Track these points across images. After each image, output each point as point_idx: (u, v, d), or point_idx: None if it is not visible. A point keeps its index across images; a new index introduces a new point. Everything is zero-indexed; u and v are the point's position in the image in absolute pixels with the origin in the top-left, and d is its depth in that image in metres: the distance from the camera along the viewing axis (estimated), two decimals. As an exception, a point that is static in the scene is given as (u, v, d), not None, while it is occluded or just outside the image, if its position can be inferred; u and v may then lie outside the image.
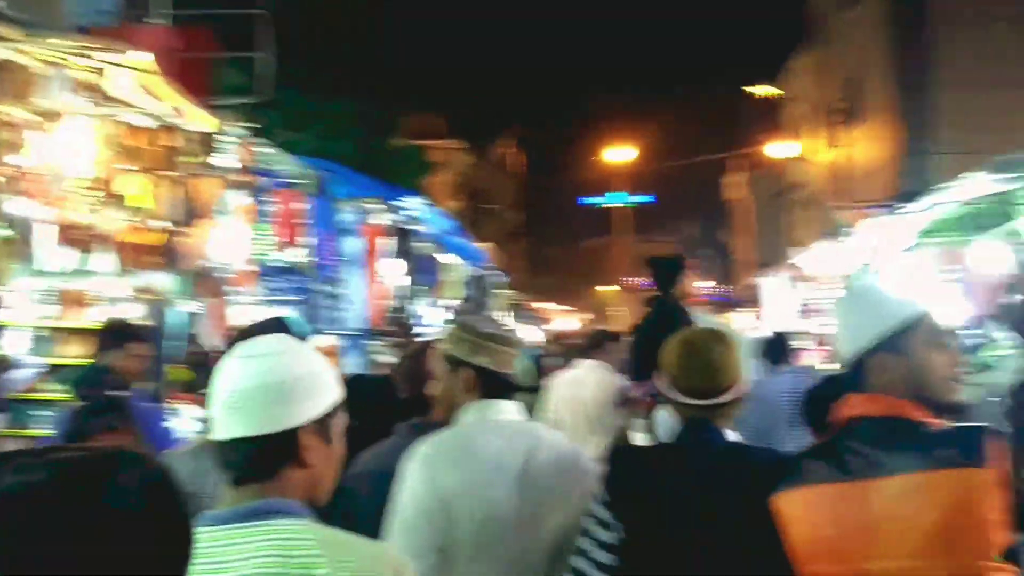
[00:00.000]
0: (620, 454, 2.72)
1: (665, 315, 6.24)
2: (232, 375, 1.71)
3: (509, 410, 2.72)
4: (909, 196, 13.88)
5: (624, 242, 47.75)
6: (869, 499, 2.05)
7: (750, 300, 33.53)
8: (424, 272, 12.69)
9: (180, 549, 1.13)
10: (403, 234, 11.36)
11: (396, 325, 11.12)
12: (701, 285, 54.78)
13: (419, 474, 2.52)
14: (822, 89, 24.89)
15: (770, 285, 25.87)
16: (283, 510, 1.67)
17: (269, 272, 7.73)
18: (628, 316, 49.67)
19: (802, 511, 2.12)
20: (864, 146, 21.38)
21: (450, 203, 36.14)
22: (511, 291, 32.91)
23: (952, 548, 1.98)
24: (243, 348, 1.76)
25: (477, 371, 2.69)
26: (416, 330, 11.51)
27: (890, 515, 2.03)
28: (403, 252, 11.33)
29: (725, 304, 40.13)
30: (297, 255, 8.20)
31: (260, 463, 1.70)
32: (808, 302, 20.57)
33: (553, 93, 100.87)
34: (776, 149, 26.24)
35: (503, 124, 51.42)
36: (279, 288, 7.72)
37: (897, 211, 13.17)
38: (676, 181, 66.73)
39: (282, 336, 1.88)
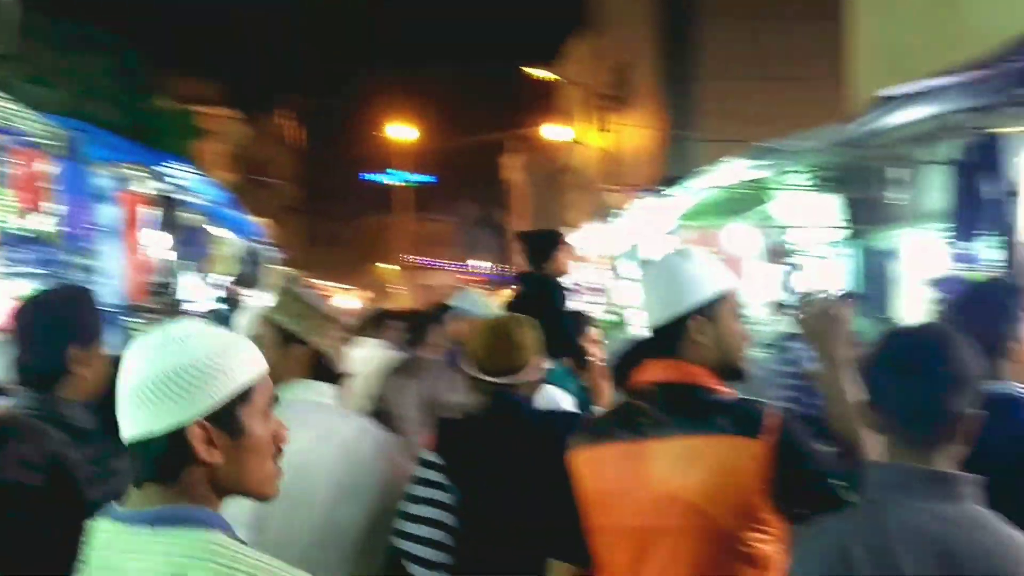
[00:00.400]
0: (447, 424, 2.86)
1: (539, 291, 5.77)
2: (122, 372, 1.59)
3: (328, 393, 2.67)
4: (673, 181, 14.57)
5: (405, 220, 47.60)
6: (646, 458, 2.18)
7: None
8: (192, 245, 12.08)
9: None
10: (168, 204, 10.74)
11: (159, 301, 10.55)
12: (478, 264, 55.67)
13: None
14: (595, 74, 25.64)
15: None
16: (187, 519, 1.54)
17: (10, 241, 7.05)
18: (408, 294, 49.68)
19: (590, 468, 2.27)
20: (632, 132, 22.23)
21: (224, 174, 34.72)
22: (288, 267, 32.08)
23: (716, 511, 2.12)
24: (140, 339, 1.63)
25: (313, 351, 2.62)
26: (183, 306, 10.96)
27: (663, 475, 2.15)
28: (168, 223, 10.72)
29: (502, 283, 40.89)
30: (43, 223, 7.53)
31: (154, 465, 1.57)
32: (580, 282, 21.31)
33: (333, 64, 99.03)
34: (551, 131, 26.85)
35: (281, 94, 49.92)
36: (22, 259, 7.05)
37: (661, 195, 13.83)
38: (456, 160, 67.21)
39: (187, 322, 1.69)
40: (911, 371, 1.84)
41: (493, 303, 7.44)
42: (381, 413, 4.95)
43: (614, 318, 15.37)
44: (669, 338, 2.28)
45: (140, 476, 1.59)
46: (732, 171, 10.48)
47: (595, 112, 26.24)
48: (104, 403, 1.80)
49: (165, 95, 18.91)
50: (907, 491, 1.78)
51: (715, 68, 20.09)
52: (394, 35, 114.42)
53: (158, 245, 10.55)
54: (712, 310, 2.28)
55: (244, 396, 1.61)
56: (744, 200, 11.95)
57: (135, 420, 1.56)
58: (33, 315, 2.39)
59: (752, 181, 11.20)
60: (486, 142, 40.43)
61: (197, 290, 11.73)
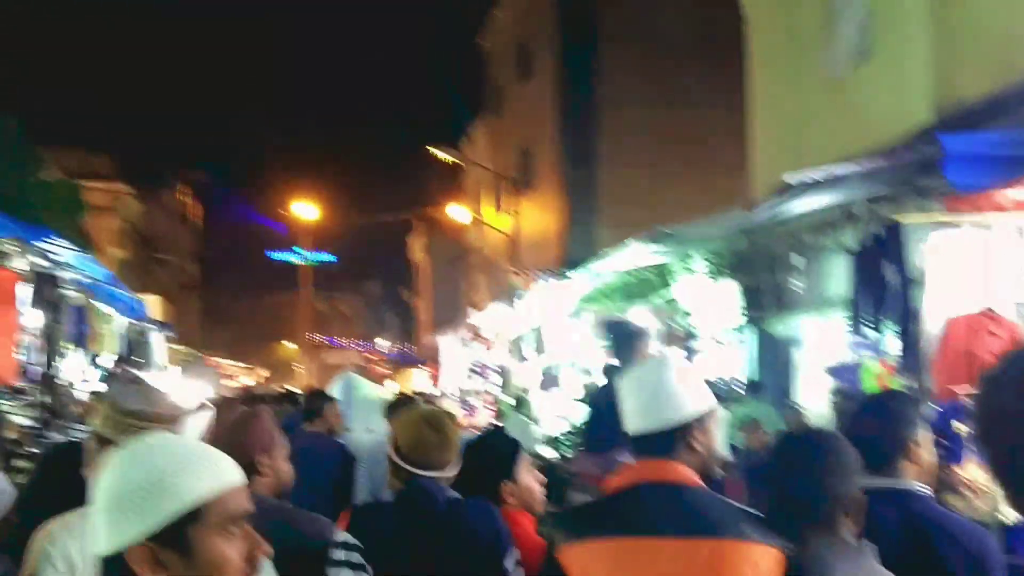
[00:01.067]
0: (365, 510, 3.12)
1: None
2: (95, 485, 1.61)
3: None
4: (574, 264, 14.63)
5: (307, 298, 46.80)
6: (664, 556, 2.25)
7: (430, 358, 34.00)
8: (72, 323, 11.50)
9: None
10: (46, 280, 10.20)
11: (33, 382, 9.93)
12: (382, 344, 55.04)
13: (46, 550, 2.48)
14: (498, 157, 25.83)
15: (448, 344, 26.36)
16: None
17: None
18: (310, 373, 48.68)
19: (588, 562, 2.31)
20: (535, 214, 22.32)
21: (115, 250, 33.67)
22: (182, 346, 31.10)
23: None
24: (118, 450, 1.64)
25: None
26: (60, 388, 10.35)
27: (667, 572, 2.26)
28: (45, 300, 10.16)
29: (406, 362, 40.44)
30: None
31: None
32: (481, 361, 21.13)
33: (232, 140, 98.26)
34: (455, 212, 26.88)
35: (178, 169, 48.99)
36: None
37: (563, 277, 13.82)
38: (361, 239, 66.90)
39: (159, 434, 1.76)
40: (795, 467, 2.41)
41: (375, 387, 7.08)
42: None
43: (513, 399, 15.17)
44: (661, 443, 2.42)
45: None
46: (633, 255, 10.49)
47: (498, 194, 26.37)
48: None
49: (49, 168, 18.11)
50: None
51: (617, 153, 20.38)
52: (297, 113, 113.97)
53: (32, 323, 9.97)
54: (703, 422, 2.49)
55: (194, 515, 1.55)
56: (645, 284, 11.99)
57: (95, 538, 1.57)
58: None
59: (653, 266, 11.27)
60: (390, 222, 40.26)
61: (78, 370, 11.12)
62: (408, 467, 2.97)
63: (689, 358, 11.67)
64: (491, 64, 29.57)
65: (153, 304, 32.09)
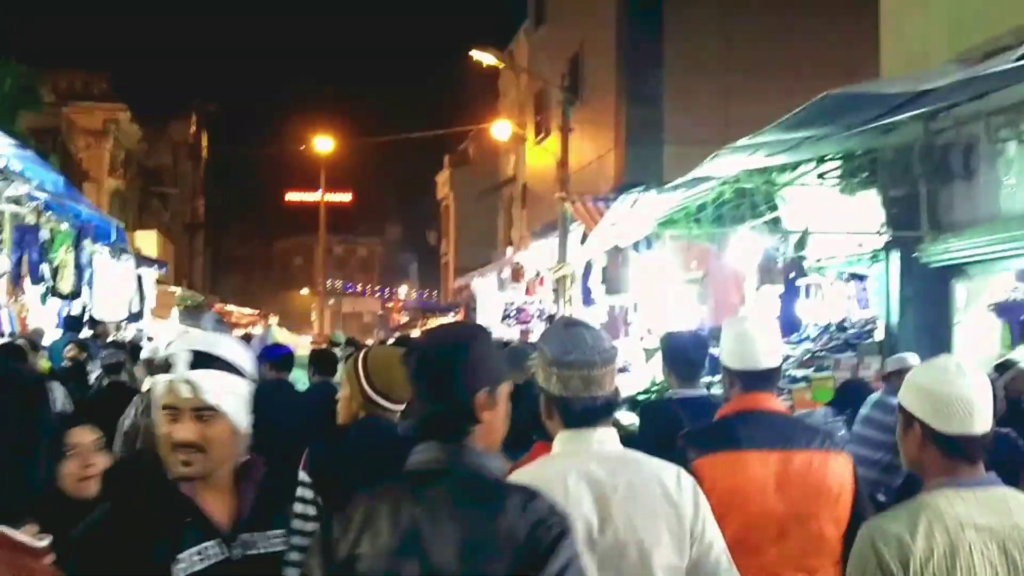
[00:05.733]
0: (318, 448, 3.39)
1: None
2: None
3: None
4: (634, 187, 12.71)
5: (322, 241, 45.21)
6: (762, 464, 3.09)
7: (458, 304, 32.46)
8: (18, 247, 9.70)
9: None
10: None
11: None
12: (403, 290, 53.52)
13: None
14: (545, 68, 23.91)
15: (483, 287, 24.67)
16: None
17: None
18: (322, 323, 47.27)
19: (715, 471, 3.02)
20: (587, 132, 20.43)
21: (110, 180, 31.91)
22: (183, 289, 29.57)
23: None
24: None
25: None
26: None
27: (804, 474, 3.10)
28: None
29: (430, 310, 38.89)
30: None
31: None
32: (519, 305, 19.45)
33: (247, 69, 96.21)
34: (496, 130, 24.93)
35: (187, 98, 47.10)
36: None
37: (625, 200, 11.85)
38: (382, 178, 65.21)
39: None
40: None
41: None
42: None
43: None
44: (764, 380, 3.24)
45: None
46: (726, 167, 8.47)
47: (545, 111, 24.49)
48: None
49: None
50: None
51: (685, 56, 18.36)
52: (319, 27, 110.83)
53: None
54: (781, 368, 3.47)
55: None
56: (743, 203, 10.03)
57: None
58: None
59: (755, 176, 9.28)
60: (416, 160, 38.41)
61: (15, 309, 9.32)
62: (381, 401, 3.43)
63: (797, 296, 9.78)
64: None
65: (148, 240, 30.56)
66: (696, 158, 8.77)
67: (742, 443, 3.08)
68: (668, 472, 2.53)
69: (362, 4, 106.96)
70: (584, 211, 15.64)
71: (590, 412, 2.53)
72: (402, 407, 3.36)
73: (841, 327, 8.71)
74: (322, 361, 7.48)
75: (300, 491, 3.10)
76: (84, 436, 3.42)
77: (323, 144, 35.79)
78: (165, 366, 2.34)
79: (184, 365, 2.31)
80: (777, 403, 3.28)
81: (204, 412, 2.31)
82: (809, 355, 8.34)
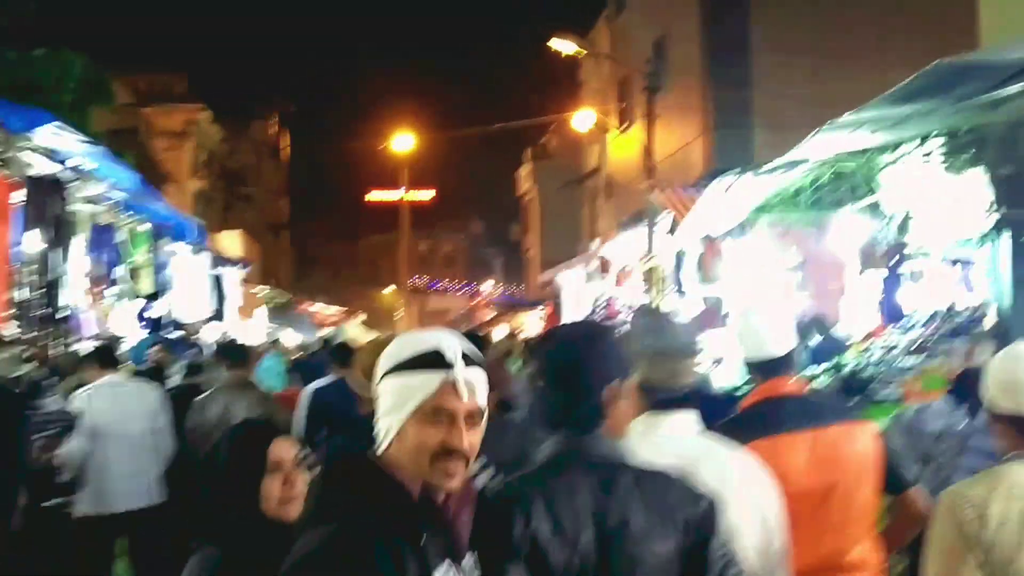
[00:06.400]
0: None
1: None
2: None
3: None
4: (724, 173, 12.25)
5: (406, 239, 45.32)
6: (822, 441, 3.21)
7: (544, 299, 32.16)
8: (95, 248, 9.70)
9: None
10: (47, 187, 8.34)
11: (32, 323, 8.16)
12: (487, 286, 53.48)
13: None
14: (624, 58, 23.47)
15: (569, 281, 24.30)
16: None
17: None
18: (408, 319, 47.45)
19: (768, 454, 2.98)
20: (673, 119, 19.97)
21: (192, 182, 32.38)
22: (269, 288, 29.88)
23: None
24: None
25: None
26: (69, 329, 8.56)
27: (840, 447, 3.25)
28: (47, 214, 8.29)
29: (514, 305, 38.67)
30: None
31: None
32: (609, 298, 19.07)
33: (326, 68, 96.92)
34: (578, 120, 24.56)
35: (268, 99, 47.67)
36: None
37: (719, 185, 11.41)
38: (463, 174, 65.31)
39: None
40: None
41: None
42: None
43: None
44: (787, 363, 3.36)
45: None
46: (825, 147, 8.02)
47: (628, 100, 24.01)
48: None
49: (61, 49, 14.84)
50: None
51: (775, 38, 17.80)
52: (396, 23, 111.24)
53: (29, 246, 8.13)
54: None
55: None
56: (842, 185, 9.56)
57: None
58: None
59: (855, 156, 8.81)
60: (497, 155, 38.17)
61: (95, 310, 9.31)
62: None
63: (901, 282, 9.29)
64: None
65: (233, 241, 30.91)
66: (788, 143, 8.38)
67: (772, 428, 3.18)
68: (740, 457, 2.81)
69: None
70: (674, 199, 15.22)
71: (672, 399, 2.77)
72: None
73: (950, 313, 8.21)
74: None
75: None
76: (286, 451, 2.94)
77: (403, 142, 35.76)
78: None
79: (462, 363, 2.06)
80: (794, 386, 3.38)
81: (475, 417, 2.08)
82: (917, 343, 7.88)
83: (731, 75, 18.28)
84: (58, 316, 8.24)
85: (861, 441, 3.24)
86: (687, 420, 2.76)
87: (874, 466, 3.24)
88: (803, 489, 3.09)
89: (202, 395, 6.77)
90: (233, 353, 7.03)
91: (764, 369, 3.33)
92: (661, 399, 2.73)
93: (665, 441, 2.67)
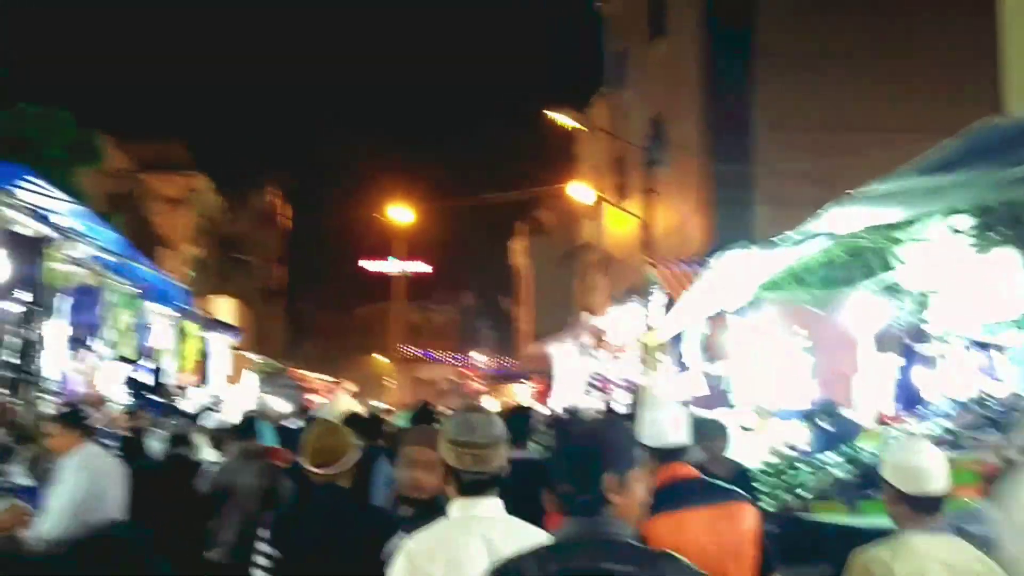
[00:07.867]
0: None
1: None
2: None
3: None
4: (724, 249, 11.75)
5: (399, 309, 44.79)
6: (716, 518, 3.60)
7: (533, 371, 31.52)
8: (78, 310, 9.08)
9: None
10: (28, 245, 7.75)
11: (4, 384, 7.53)
12: (478, 357, 52.79)
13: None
14: (625, 131, 23.23)
15: (561, 354, 23.68)
16: None
17: None
18: (399, 389, 46.64)
19: (671, 528, 3.47)
20: (671, 193, 19.59)
21: (189, 247, 31.84)
22: (260, 356, 29.16)
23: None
24: None
25: None
26: (45, 391, 7.90)
27: (729, 527, 3.63)
28: (27, 272, 7.69)
29: (505, 377, 38.01)
30: None
31: None
32: (602, 374, 18.44)
33: (324, 140, 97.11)
34: (576, 192, 24.21)
35: (266, 169, 47.44)
36: None
37: (721, 260, 10.88)
38: (457, 247, 65.09)
39: None
40: None
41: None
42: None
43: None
44: (683, 451, 3.78)
45: None
46: (843, 221, 7.48)
47: (625, 175, 23.71)
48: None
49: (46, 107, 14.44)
50: None
51: (777, 115, 17.50)
52: (393, 111, 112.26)
53: (8, 305, 7.52)
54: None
55: None
56: (857, 262, 9.03)
57: None
58: None
59: (873, 231, 8.27)
60: (491, 228, 37.91)
61: (74, 374, 8.67)
62: (312, 470, 4.06)
63: (916, 367, 8.71)
64: (611, 28, 27.06)
65: (226, 307, 30.32)
66: (790, 218, 7.90)
67: (673, 505, 3.51)
68: (544, 537, 2.84)
69: (436, 72, 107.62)
70: (670, 276, 14.72)
71: (479, 484, 2.96)
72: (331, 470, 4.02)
73: (981, 402, 7.58)
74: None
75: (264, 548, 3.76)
76: None
77: (399, 213, 35.45)
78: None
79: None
80: (690, 469, 3.76)
81: None
82: (945, 433, 7.25)
83: (731, 150, 17.93)
84: (33, 378, 7.60)
85: (748, 519, 3.62)
86: (494, 504, 2.96)
87: (756, 542, 3.61)
88: (704, 557, 3.21)
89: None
90: (243, 429, 7.31)
91: (664, 455, 3.68)
92: (470, 483, 2.94)
93: (474, 521, 2.90)
